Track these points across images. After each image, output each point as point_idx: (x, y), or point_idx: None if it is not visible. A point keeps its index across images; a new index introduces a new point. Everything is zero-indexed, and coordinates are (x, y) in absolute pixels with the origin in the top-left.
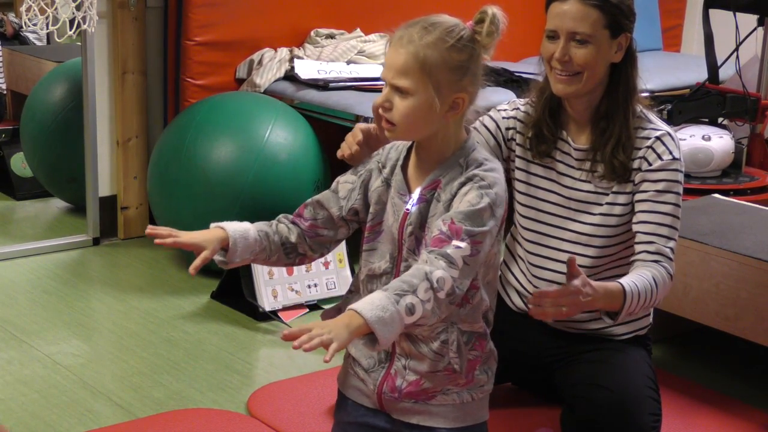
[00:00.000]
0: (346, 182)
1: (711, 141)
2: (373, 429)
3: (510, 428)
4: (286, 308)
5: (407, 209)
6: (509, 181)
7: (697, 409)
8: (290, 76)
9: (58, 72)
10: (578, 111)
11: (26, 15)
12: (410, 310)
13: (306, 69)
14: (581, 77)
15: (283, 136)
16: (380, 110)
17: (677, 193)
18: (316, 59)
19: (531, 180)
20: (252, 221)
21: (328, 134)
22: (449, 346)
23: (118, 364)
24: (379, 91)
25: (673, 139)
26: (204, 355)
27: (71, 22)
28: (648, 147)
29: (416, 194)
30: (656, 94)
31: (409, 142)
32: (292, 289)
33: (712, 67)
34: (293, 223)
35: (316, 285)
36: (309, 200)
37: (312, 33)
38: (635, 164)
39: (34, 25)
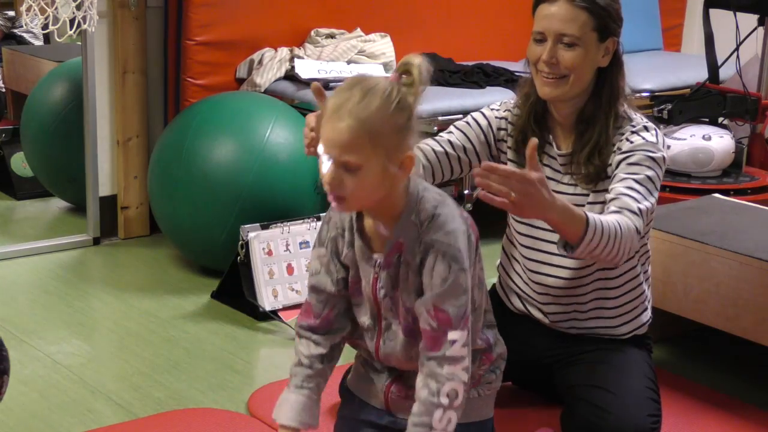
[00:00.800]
0: (321, 256)
1: (711, 141)
2: (376, 427)
3: (510, 428)
4: (286, 308)
5: (375, 274)
6: None
7: (697, 409)
8: (290, 76)
9: (58, 72)
10: (564, 115)
11: (26, 15)
12: None
13: (306, 69)
14: (568, 80)
15: (283, 136)
16: (327, 187)
17: (650, 167)
18: (317, 59)
19: None
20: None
21: None
22: None
23: (118, 364)
24: None
25: (648, 130)
26: (204, 355)
27: (71, 21)
28: (623, 139)
29: (381, 259)
30: (656, 93)
31: None
32: (293, 289)
33: (713, 67)
34: (310, 333)
35: None
36: (308, 290)
37: (312, 33)
38: (611, 159)
39: (32, 25)
